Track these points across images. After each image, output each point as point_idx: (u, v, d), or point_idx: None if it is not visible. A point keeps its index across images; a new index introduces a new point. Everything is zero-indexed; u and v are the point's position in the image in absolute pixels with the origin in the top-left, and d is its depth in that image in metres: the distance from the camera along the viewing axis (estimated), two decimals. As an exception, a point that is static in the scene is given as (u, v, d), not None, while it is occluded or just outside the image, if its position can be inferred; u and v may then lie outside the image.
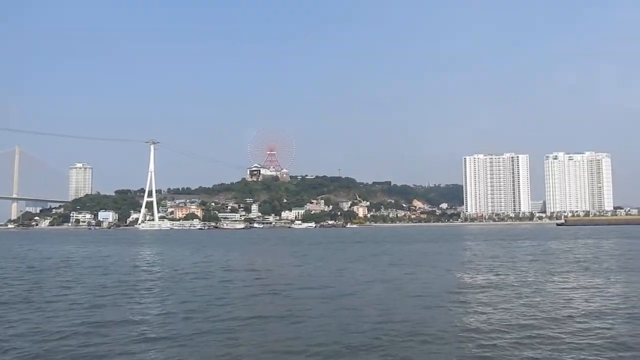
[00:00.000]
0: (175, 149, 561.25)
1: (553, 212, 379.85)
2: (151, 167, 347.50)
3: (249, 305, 21.98)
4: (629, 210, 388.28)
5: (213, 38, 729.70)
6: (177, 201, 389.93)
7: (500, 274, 32.10)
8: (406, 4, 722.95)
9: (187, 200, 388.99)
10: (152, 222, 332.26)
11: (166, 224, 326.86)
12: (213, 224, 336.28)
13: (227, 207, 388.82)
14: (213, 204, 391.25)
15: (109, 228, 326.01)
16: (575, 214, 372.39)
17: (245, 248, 66.45)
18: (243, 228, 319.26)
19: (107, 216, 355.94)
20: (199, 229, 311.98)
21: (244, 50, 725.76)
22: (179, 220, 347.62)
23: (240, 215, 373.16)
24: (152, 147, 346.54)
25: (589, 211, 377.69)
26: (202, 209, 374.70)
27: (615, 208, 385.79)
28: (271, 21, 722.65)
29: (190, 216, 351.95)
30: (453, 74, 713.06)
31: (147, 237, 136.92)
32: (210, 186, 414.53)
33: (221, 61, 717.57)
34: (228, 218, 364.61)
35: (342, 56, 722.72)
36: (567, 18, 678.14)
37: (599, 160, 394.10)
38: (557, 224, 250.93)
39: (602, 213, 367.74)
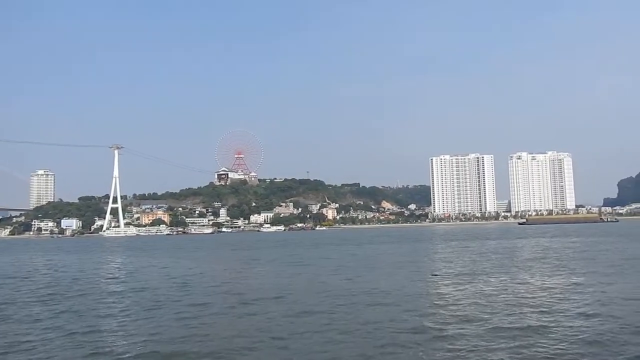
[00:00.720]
0: (141, 154, 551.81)
1: (518, 212, 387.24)
2: (115, 172, 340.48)
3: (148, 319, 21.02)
4: (590, 209, 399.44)
5: (177, 44, 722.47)
6: (144, 207, 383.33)
7: (432, 278, 31.87)
8: (371, 6, 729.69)
9: (154, 206, 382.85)
10: (117, 229, 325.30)
11: (132, 231, 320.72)
12: (181, 229, 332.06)
13: (195, 212, 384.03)
14: (180, 209, 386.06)
15: (73, 236, 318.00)
16: (539, 212, 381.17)
17: (193, 255, 65.20)
18: (211, 233, 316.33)
19: (71, 224, 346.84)
20: (168, 234, 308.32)
21: (209, 55, 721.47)
22: (145, 226, 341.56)
23: (209, 220, 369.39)
24: (116, 152, 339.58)
25: (552, 210, 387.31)
26: (170, 215, 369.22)
27: (577, 206, 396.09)
28: (235, 26, 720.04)
29: (157, 222, 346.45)
30: (421, 76, 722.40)
31: (107, 244, 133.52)
32: (178, 191, 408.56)
33: (186, 66, 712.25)
34: (196, 223, 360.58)
35: (309, 59, 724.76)
36: (529, 20, 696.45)
37: (560, 159, 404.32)
38: (519, 223, 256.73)
39: (564, 212, 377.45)
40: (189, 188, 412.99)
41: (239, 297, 26.59)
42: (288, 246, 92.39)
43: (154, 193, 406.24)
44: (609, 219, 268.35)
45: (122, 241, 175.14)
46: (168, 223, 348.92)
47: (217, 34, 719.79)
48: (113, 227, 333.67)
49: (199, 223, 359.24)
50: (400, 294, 24.71)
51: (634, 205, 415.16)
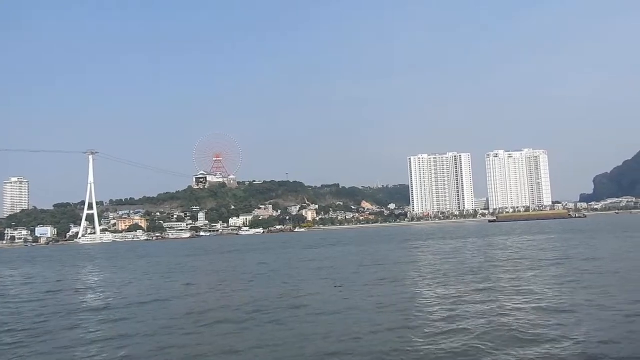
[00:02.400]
0: (116, 159, 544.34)
1: (495, 209, 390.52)
2: (90, 178, 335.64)
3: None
4: (566, 205, 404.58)
5: (153, 47, 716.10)
6: (120, 212, 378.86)
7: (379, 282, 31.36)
8: (350, 7, 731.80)
9: (131, 211, 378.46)
10: (93, 236, 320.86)
11: (108, 237, 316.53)
12: (158, 234, 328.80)
13: (173, 216, 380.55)
14: (158, 213, 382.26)
15: (47, 244, 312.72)
16: (517, 209, 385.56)
17: (135, 264, 63.87)
18: (189, 237, 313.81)
19: (45, 231, 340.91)
20: (146, 239, 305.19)
21: (186, 57, 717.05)
22: (122, 232, 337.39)
23: (187, 224, 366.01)
24: (90, 157, 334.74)
25: (529, 207, 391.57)
26: (147, 220, 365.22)
27: (554, 203, 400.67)
28: (211, 26, 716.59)
29: (134, 227, 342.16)
30: (399, 76, 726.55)
31: (82, 252, 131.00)
32: (155, 195, 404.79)
33: (163, 68, 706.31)
34: (174, 228, 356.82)
35: (287, 61, 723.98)
36: (506, 19, 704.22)
37: (536, 157, 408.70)
38: (490, 221, 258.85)
39: (541, 208, 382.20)
40: (167, 192, 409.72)
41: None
42: (237, 252, 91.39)
43: (131, 198, 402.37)
44: (577, 215, 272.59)
45: (96, 248, 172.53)
46: (145, 228, 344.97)
47: (194, 35, 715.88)
48: (89, 234, 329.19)
49: (177, 228, 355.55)
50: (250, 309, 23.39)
51: (609, 201, 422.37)
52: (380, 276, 33.87)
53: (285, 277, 37.38)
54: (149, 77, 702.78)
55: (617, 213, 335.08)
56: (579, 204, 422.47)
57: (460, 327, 17.17)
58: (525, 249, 53.21)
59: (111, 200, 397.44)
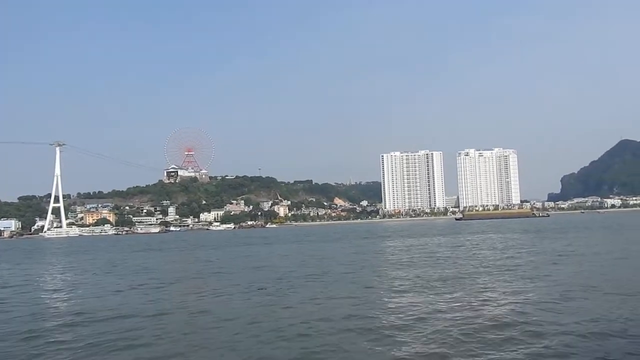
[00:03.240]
0: (85, 151, 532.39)
1: (466, 207, 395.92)
2: (57, 170, 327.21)
3: None
4: (534, 203, 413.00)
5: (122, 38, 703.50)
6: (88, 206, 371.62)
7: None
8: (324, 5, 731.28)
9: (99, 205, 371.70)
10: (59, 230, 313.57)
11: (75, 231, 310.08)
12: (127, 228, 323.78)
13: (142, 210, 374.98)
14: (127, 207, 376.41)
15: (11, 237, 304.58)
16: (486, 207, 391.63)
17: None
18: (159, 232, 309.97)
19: (9, 225, 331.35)
20: (115, 234, 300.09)
21: (157, 48, 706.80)
22: (89, 226, 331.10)
23: (157, 219, 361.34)
24: (57, 149, 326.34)
25: (498, 205, 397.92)
26: (115, 214, 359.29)
27: (523, 201, 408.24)
28: (181, 18, 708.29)
29: (102, 221, 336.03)
30: (374, 74, 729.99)
31: (40, 247, 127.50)
32: (125, 189, 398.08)
33: (131, 59, 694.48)
34: (143, 222, 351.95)
35: (261, 54, 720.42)
36: (480, 22, 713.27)
37: (506, 156, 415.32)
38: (456, 219, 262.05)
39: (510, 207, 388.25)
40: (137, 186, 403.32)
41: None
42: (192, 248, 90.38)
43: (99, 192, 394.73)
44: (540, 214, 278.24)
45: (59, 243, 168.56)
46: (113, 222, 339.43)
47: (165, 25, 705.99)
48: (55, 227, 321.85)
49: (146, 222, 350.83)
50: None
51: (575, 200, 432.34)
52: (309, 274, 33.66)
53: (215, 276, 36.85)
54: (119, 66, 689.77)
55: (583, 212, 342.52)
56: (546, 203, 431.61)
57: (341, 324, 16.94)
58: (460, 249, 53.64)
59: (79, 194, 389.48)
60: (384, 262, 42.36)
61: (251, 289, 28.02)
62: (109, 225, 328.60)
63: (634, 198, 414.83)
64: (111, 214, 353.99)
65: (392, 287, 26.69)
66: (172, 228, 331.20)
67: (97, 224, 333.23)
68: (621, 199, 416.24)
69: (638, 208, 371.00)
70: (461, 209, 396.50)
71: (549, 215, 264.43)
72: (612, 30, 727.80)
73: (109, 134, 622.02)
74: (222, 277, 35.64)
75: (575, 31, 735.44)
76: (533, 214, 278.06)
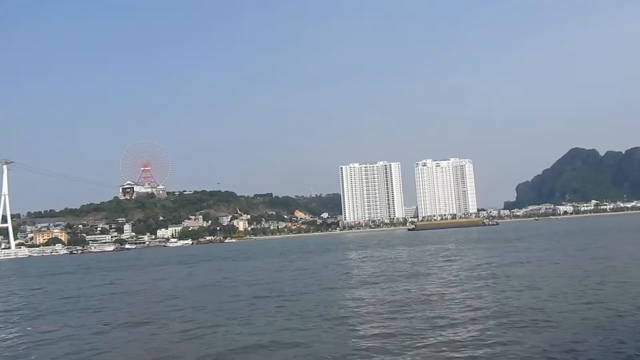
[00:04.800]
0: (34, 169, 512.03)
1: (424, 217, 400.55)
2: (5, 189, 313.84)
3: None
4: (490, 212, 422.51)
5: (71, 50, 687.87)
6: (39, 225, 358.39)
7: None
8: (284, 17, 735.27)
9: (51, 224, 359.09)
10: (7, 251, 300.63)
11: (24, 252, 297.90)
12: (80, 247, 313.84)
13: (96, 228, 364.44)
14: (81, 226, 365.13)
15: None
16: (444, 217, 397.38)
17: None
18: (113, 250, 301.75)
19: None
20: (70, 252, 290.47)
21: (110, 62, 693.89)
22: (39, 246, 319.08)
23: (112, 237, 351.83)
24: (4, 167, 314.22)
25: (455, 214, 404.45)
26: (68, 233, 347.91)
27: (479, 210, 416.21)
28: (138, 30, 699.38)
29: (53, 241, 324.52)
30: (333, 85, 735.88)
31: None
32: (78, 207, 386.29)
33: (87, 74, 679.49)
34: (97, 240, 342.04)
35: (218, 68, 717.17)
36: (435, 33, 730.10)
37: (462, 166, 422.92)
38: (409, 229, 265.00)
39: (467, 215, 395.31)
40: (91, 203, 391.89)
41: None
42: (118, 269, 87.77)
43: (50, 210, 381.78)
44: (490, 223, 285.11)
45: (4, 265, 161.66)
46: (66, 242, 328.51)
47: (121, 41, 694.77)
48: (2, 248, 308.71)
49: (100, 240, 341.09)
50: None
51: (529, 208, 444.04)
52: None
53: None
54: (72, 81, 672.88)
55: (537, 220, 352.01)
56: (502, 211, 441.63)
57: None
58: (387, 261, 53.63)
59: (29, 213, 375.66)
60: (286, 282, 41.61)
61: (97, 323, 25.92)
62: (60, 244, 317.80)
63: (585, 204, 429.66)
64: (63, 233, 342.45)
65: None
66: (127, 246, 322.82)
67: (47, 243, 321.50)
68: (573, 206, 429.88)
69: (589, 214, 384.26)
70: (420, 218, 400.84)
71: (498, 224, 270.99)
72: (565, 42, 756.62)
73: (59, 150, 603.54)
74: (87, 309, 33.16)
75: (530, 43, 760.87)
76: (483, 222, 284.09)
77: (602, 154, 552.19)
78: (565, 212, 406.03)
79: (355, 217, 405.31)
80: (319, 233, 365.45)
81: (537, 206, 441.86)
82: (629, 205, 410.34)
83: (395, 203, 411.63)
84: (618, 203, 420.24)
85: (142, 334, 22.56)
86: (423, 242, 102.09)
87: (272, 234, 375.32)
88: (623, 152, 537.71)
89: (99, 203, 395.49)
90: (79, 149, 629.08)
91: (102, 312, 30.86)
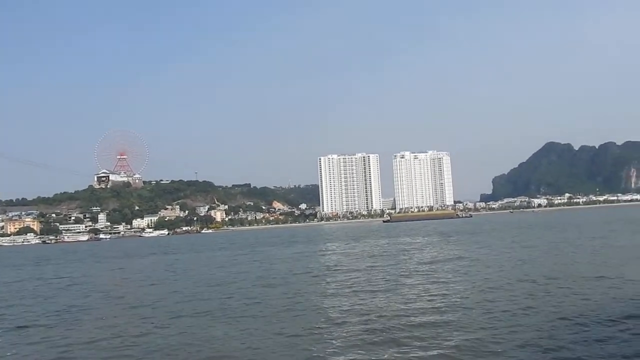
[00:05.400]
0: (6, 156, 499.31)
1: (402, 209, 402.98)
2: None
3: None
4: (466, 204, 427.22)
5: (40, 35, 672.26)
6: (11, 214, 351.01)
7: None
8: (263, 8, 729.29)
9: (23, 213, 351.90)
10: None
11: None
12: (52, 237, 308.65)
13: (70, 217, 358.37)
14: (54, 215, 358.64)
15: None
16: (421, 209, 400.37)
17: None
18: (87, 240, 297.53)
19: None
20: (43, 242, 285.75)
21: (88, 48, 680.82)
22: (10, 235, 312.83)
23: (86, 226, 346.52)
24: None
25: (432, 206, 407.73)
26: (41, 222, 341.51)
27: (456, 202, 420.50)
28: (117, 19, 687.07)
29: (24, 230, 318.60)
30: (312, 78, 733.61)
31: None
32: (51, 195, 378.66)
33: (61, 58, 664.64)
34: (71, 230, 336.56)
35: (197, 56, 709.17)
36: (413, 24, 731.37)
37: (440, 158, 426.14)
38: (384, 221, 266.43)
39: (444, 208, 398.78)
40: (65, 192, 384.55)
41: None
42: (76, 261, 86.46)
43: (23, 199, 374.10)
44: (464, 215, 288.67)
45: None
46: (38, 231, 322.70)
47: (87, 17, 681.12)
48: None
49: (74, 230, 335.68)
50: None
51: (505, 200, 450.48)
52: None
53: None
54: (44, 66, 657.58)
55: (512, 212, 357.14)
56: (478, 204, 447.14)
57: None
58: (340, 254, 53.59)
59: (0, 201, 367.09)
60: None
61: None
62: (32, 234, 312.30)
63: (559, 197, 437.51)
64: (35, 222, 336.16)
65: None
66: (102, 236, 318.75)
67: (19, 232, 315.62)
68: (547, 199, 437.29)
69: (562, 207, 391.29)
70: (397, 210, 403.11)
71: (471, 216, 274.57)
72: (541, 39, 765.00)
73: (34, 138, 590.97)
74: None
75: (508, 37, 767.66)
76: (457, 215, 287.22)
77: (576, 148, 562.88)
78: (540, 205, 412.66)
79: (333, 209, 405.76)
80: (297, 224, 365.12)
81: (513, 199, 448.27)
82: (601, 198, 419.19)
83: (373, 195, 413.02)
84: (591, 196, 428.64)
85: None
86: (393, 234, 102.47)
87: (250, 225, 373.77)
88: (597, 147, 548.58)
89: (73, 192, 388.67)
90: (52, 136, 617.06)
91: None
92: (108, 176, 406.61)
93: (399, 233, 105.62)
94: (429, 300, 23.18)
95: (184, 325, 20.85)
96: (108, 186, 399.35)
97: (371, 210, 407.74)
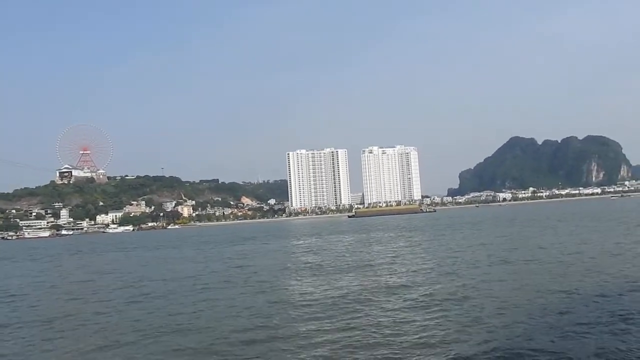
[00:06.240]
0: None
1: (370, 203, 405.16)
2: None
3: None
4: (433, 199, 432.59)
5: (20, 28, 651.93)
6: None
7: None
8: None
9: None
10: None
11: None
12: (12, 233, 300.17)
13: (31, 213, 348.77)
14: (14, 211, 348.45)
15: None
16: (389, 204, 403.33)
17: None
18: (49, 236, 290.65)
19: None
20: (2, 238, 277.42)
21: (52, 40, 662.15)
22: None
23: (48, 222, 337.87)
24: None
25: (400, 201, 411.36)
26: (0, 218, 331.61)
27: (423, 197, 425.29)
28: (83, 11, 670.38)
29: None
30: (284, 72, 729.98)
31: None
32: (11, 191, 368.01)
33: (25, 48, 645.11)
34: (32, 226, 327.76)
35: (161, 49, 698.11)
36: (384, 24, 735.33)
37: (407, 153, 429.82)
38: (349, 216, 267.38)
39: (411, 202, 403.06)
40: (25, 187, 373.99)
41: None
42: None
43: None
44: (427, 210, 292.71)
45: None
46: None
47: (56, 17, 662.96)
48: None
49: (35, 226, 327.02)
50: None
51: (472, 194, 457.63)
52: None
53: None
54: (6, 59, 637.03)
55: (477, 206, 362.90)
56: (445, 198, 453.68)
57: None
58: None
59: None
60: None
61: None
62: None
63: (523, 192, 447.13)
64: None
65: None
66: (64, 232, 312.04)
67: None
68: (512, 193, 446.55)
69: (526, 201, 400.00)
70: (366, 205, 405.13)
71: (435, 211, 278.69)
72: (508, 33, 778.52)
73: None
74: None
75: (474, 33, 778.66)
76: (421, 209, 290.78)
77: (540, 142, 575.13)
78: (504, 200, 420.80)
79: (302, 204, 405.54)
80: (265, 219, 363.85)
81: (479, 193, 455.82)
82: (564, 192, 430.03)
83: (342, 190, 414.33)
84: (553, 190, 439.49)
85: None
86: (353, 230, 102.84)
87: (218, 221, 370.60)
88: (559, 141, 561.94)
89: (34, 187, 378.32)
90: (12, 130, 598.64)
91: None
92: (71, 172, 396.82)
93: (360, 229, 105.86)
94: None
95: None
96: (71, 182, 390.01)
97: (340, 205, 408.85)
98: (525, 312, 18.03)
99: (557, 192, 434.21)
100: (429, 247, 48.78)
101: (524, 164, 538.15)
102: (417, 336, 15.95)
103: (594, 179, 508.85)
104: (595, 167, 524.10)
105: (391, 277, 29.36)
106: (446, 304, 20.54)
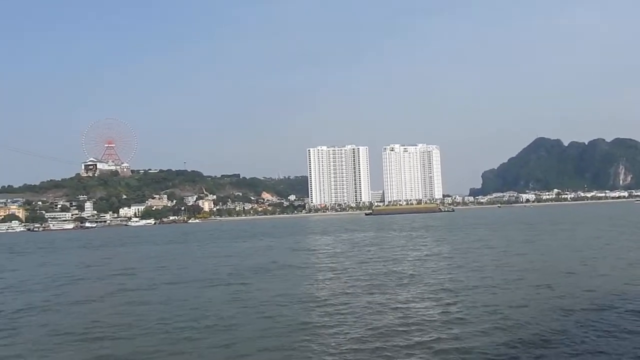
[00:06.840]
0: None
1: (391, 201, 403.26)
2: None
3: None
4: (455, 198, 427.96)
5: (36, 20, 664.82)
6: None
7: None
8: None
9: (8, 200, 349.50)
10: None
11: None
12: (38, 225, 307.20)
13: (56, 206, 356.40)
14: (40, 202, 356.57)
15: None
16: (409, 202, 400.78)
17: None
18: (73, 228, 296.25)
19: None
20: (29, 230, 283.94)
21: (77, 38, 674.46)
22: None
23: (72, 215, 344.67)
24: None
25: (421, 199, 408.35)
26: (26, 209, 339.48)
27: (445, 196, 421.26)
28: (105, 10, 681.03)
29: (9, 217, 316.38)
30: (303, 70, 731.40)
31: None
32: (38, 183, 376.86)
33: (51, 45, 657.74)
34: (57, 218, 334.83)
35: (186, 47, 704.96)
36: (401, 21, 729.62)
37: (429, 151, 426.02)
38: (366, 214, 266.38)
39: (432, 201, 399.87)
40: (51, 180, 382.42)
41: None
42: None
43: (9, 186, 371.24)
44: (446, 209, 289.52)
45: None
46: (23, 219, 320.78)
47: (80, 15, 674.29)
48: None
49: (59, 218, 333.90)
50: None
51: (494, 195, 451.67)
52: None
53: None
54: (34, 54, 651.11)
55: (499, 207, 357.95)
56: (467, 198, 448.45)
57: None
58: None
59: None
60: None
61: None
62: (17, 221, 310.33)
63: (547, 193, 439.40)
64: (21, 210, 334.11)
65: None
66: (88, 224, 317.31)
67: (3, 220, 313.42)
68: (535, 194, 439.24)
69: (550, 203, 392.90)
70: (386, 203, 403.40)
71: (453, 210, 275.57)
72: (532, 36, 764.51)
73: (20, 125, 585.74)
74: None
75: (499, 35, 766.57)
76: (439, 209, 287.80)
77: (566, 144, 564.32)
78: (528, 200, 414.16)
79: (322, 200, 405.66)
80: (285, 215, 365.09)
81: (501, 194, 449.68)
82: (589, 195, 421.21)
83: (362, 187, 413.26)
84: (579, 192, 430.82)
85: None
86: (367, 228, 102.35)
87: (238, 216, 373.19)
88: (586, 143, 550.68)
89: (59, 180, 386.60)
90: (39, 124, 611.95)
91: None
92: (96, 165, 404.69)
93: (376, 227, 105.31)
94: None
95: None
96: (95, 175, 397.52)
97: (360, 202, 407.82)
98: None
99: (582, 194, 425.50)
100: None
101: (549, 165, 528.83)
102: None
103: (621, 182, 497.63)
104: (623, 170, 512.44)
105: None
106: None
